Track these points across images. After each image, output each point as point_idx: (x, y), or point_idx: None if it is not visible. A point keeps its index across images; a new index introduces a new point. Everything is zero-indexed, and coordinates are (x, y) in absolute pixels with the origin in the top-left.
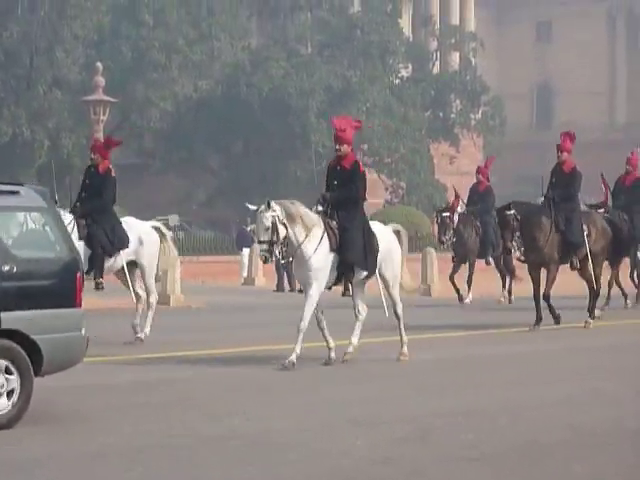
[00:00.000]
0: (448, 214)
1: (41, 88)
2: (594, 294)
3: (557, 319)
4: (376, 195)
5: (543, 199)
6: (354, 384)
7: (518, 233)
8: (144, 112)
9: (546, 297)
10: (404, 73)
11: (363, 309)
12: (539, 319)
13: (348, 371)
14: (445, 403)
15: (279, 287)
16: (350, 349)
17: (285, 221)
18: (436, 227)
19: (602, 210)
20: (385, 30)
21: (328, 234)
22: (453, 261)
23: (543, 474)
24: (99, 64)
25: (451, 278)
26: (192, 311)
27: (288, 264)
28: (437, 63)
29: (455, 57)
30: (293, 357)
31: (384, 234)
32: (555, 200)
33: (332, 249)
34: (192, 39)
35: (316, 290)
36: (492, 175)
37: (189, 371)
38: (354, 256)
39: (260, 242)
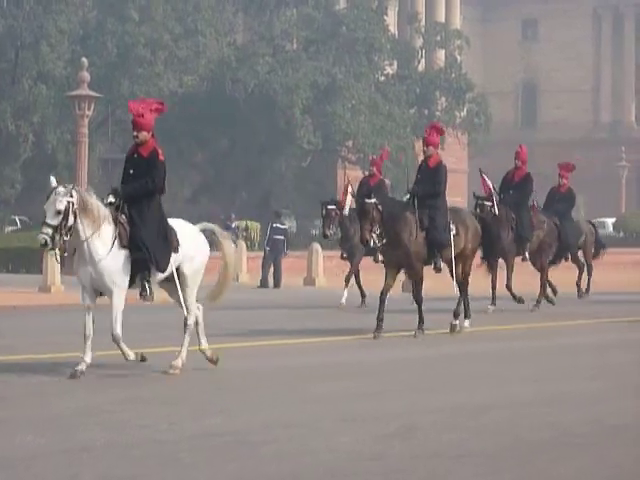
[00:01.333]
0: (334, 207)
1: (26, 83)
2: (464, 297)
3: (419, 325)
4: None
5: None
6: (339, 381)
7: (378, 226)
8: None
9: (418, 301)
10: (389, 70)
11: (192, 312)
12: (379, 322)
13: (334, 368)
14: (431, 400)
15: (263, 283)
16: (177, 362)
17: (77, 211)
18: (321, 220)
19: (489, 203)
20: (371, 27)
21: (119, 231)
22: (341, 258)
23: (528, 473)
24: (84, 59)
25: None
26: (174, 307)
27: (63, 258)
28: (422, 60)
29: (440, 54)
30: (82, 366)
31: (187, 232)
32: (419, 196)
33: (122, 246)
34: (178, 35)
35: (118, 296)
36: (476, 173)
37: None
38: (145, 254)
39: (46, 224)
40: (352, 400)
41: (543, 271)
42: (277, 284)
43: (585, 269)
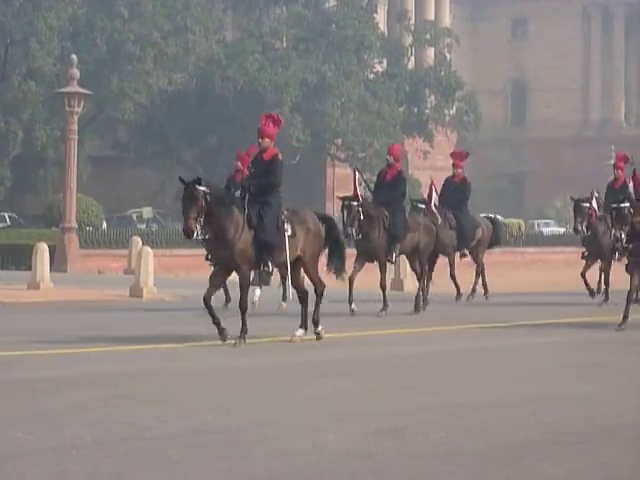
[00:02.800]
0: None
1: (15, 79)
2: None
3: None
4: (350, 189)
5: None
6: (328, 379)
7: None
8: (119, 105)
9: (242, 308)
10: (379, 68)
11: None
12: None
13: (323, 367)
14: (420, 399)
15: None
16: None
17: None
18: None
19: (355, 203)
20: (360, 25)
21: None
22: None
23: (518, 473)
24: (74, 56)
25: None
26: (165, 304)
27: None
28: (412, 58)
29: (430, 53)
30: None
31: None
32: (252, 191)
33: None
34: (167, 32)
35: None
36: (466, 170)
37: (162, 364)
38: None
39: None
40: (340, 399)
41: (423, 274)
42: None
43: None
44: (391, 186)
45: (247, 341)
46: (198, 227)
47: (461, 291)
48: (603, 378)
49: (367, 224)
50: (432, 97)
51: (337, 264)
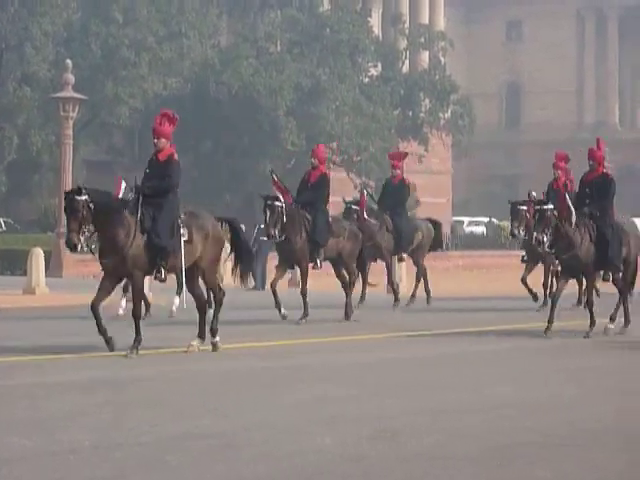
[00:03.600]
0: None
1: (10, 85)
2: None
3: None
4: (345, 193)
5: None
6: (323, 382)
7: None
8: (113, 109)
9: (135, 316)
10: (373, 72)
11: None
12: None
13: (317, 369)
14: (414, 402)
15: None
16: None
17: None
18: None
19: (279, 203)
20: (354, 29)
21: None
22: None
23: (507, 476)
24: (69, 61)
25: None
26: (160, 309)
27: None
28: (406, 62)
29: (424, 56)
30: None
31: None
32: (145, 193)
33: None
34: (162, 37)
35: None
36: (460, 174)
37: (156, 369)
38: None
39: None
40: (332, 402)
41: (350, 281)
42: (262, 286)
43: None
44: (314, 188)
45: (143, 351)
46: (82, 238)
47: (399, 297)
48: (573, 383)
49: (289, 227)
50: (427, 100)
51: (243, 269)
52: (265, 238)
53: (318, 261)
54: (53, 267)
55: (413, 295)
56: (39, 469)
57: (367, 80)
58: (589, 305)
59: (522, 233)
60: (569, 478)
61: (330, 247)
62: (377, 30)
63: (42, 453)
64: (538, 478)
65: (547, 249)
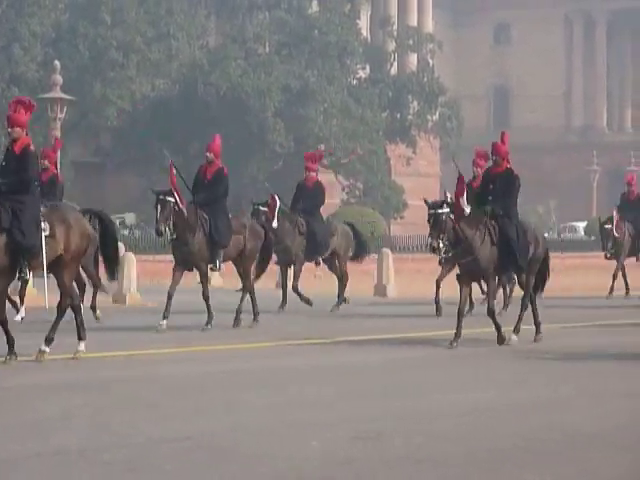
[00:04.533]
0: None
1: None
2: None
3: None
4: (333, 195)
5: None
6: (310, 385)
7: None
8: (101, 111)
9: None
10: (362, 74)
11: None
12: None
13: (304, 372)
14: (400, 405)
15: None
16: None
17: None
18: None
19: (172, 199)
20: (343, 31)
21: None
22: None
23: (494, 479)
24: (57, 62)
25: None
26: (149, 310)
27: None
28: (395, 64)
29: (413, 58)
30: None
31: None
32: (2, 190)
33: None
34: (150, 38)
35: None
36: (448, 176)
37: (142, 371)
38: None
39: None
40: (317, 405)
41: (247, 278)
42: None
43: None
44: (211, 185)
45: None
46: None
47: (311, 301)
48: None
49: (183, 228)
50: (415, 103)
51: (110, 267)
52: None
53: (218, 262)
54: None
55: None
56: (25, 472)
57: (355, 82)
58: (489, 313)
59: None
60: None
61: (231, 247)
62: (365, 32)
63: (29, 456)
64: None
65: (443, 255)
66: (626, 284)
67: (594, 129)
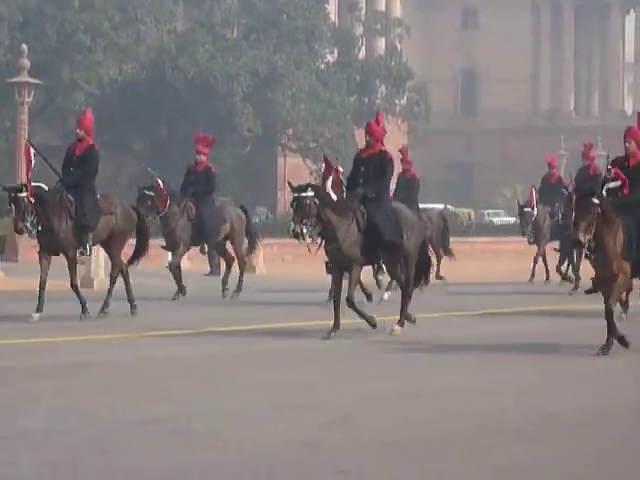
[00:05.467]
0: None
1: None
2: None
3: None
4: (301, 180)
5: None
6: (279, 368)
7: None
8: (69, 95)
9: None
10: (330, 58)
11: None
12: None
13: (273, 356)
14: (370, 388)
15: (213, 272)
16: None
17: None
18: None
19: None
20: (311, 15)
21: None
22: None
23: (463, 460)
24: (24, 46)
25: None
26: (117, 294)
27: None
28: (363, 48)
29: (381, 43)
30: None
31: None
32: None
33: None
34: (118, 22)
35: None
36: (416, 161)
37: (110, 354)
38: None
39: None
40: (287, 388)
41: (117, 265)
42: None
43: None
44: (79, 164)
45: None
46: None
47: (186, 291)
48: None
49: (45, 215)
50: (383, 87)
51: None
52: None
53: (87, 247)
54: (9, 252)
55: (239, 286)
56: None
57: (323, 66)
58: (349, 303)
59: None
60: (527, 463)
61: (100, 228)
62: (334, 17)
63: None
64: (494, 464)
65: (309, 240)
66: (546, 269)
67: (561, 113)
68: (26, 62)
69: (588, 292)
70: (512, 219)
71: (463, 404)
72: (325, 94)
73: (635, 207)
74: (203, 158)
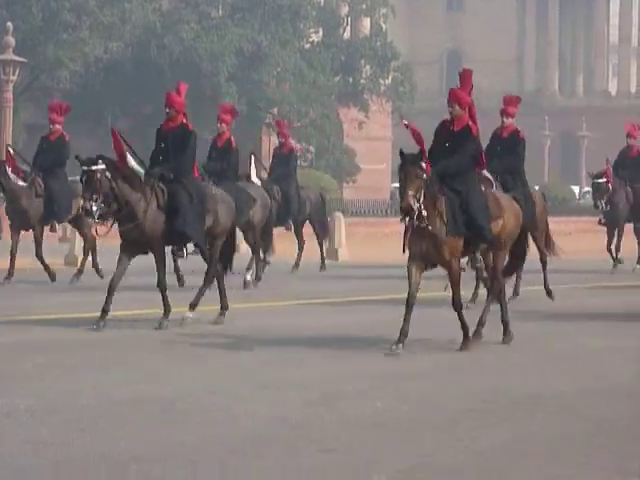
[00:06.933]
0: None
1: None
2: None
3: None
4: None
5: None
6: (262, 348)
7: None
8: (54, 73)
9: None
10: (315, 38)
11: None
12: None
13: (258, 335)
14: (354, 368)
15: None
16: None
17: None
18: None
19: None
20: None
21: None
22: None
23: (448, 441)
24: (9, 24)
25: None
26: (102, 273)
27: None
28: (348, 28)
29: (366, 23)
30: None
31: None
32: None
33: None
34: (103, 1)
35: None
36: (401, 141)
37: (96, 333)
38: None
39: None
40: (273, 367)
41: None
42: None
43: None
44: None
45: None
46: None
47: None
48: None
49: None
50: (367, 67)
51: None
52: None
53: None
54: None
55: (81, 271)
56: None
57: (308, 46)
58: (161, 288)
59: None
60: (511, 444)
61: None
62: None
63: None
64: (479, 443)
65: (98, 220)
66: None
67: (546, 94)
68: (11, 40)
69: None
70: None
71: (450, 382)
72: (310, 74)
73: (456, 175)
74: (58, 127)
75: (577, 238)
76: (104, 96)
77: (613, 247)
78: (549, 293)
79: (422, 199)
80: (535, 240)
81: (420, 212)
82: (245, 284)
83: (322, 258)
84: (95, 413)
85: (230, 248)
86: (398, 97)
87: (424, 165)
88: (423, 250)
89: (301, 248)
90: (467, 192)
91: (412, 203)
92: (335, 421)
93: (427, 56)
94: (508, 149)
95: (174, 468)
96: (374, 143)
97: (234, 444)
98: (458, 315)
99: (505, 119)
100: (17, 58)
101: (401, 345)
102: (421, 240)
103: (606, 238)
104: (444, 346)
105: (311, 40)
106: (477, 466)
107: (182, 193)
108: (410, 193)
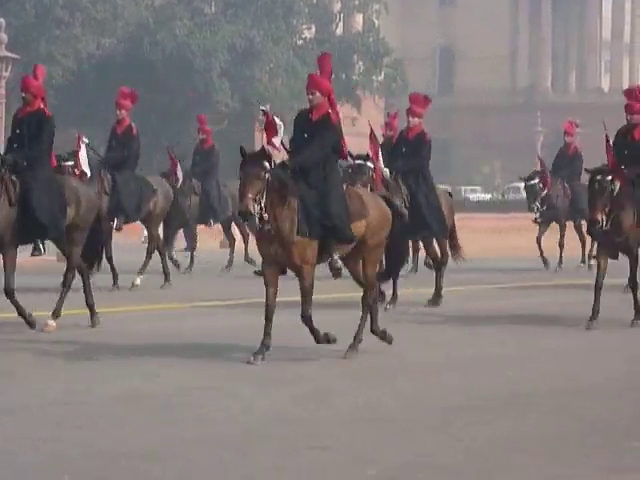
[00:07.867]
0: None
1: None
2: None
3: None
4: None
5: None
6: (256, 344)
7: None
8: (47, 69)
9: None
10: (307, 34)
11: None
12: None
13: (250, 331)
14: (345, 364)
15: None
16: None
17: None
18: None
19: None
20: None
21: None
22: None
23: (442, 438)
24: (2, 20)
25: None
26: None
27: None
28: (340, 24)
29: (359, 19)
30: None
31: None
32: None
33: None
34: None
35: None
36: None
37: (88, 329)
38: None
39: None
40: (266, 363)
41: None
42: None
43: None
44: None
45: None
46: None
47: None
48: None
49: None
50: (360, 63)
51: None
52: None
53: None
54: None
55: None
56: None
57: (301, 42)
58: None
59: None
60: (504, 440)
61: None
62: None
63: None
64: (473, 440)
65: None
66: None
67: (539, 90)
68: (3, 36)
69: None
70: (488, 196)
71: (444, 379)
72: (303, 70)
73: (313, 168)
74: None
75: (568, 232)
76: (96, 92)
77: (556, 244)
78: (436, 298)
79: (264, 201)
80: (438, 240)
81: (262, 215)
82: (133, 286)
83: (231, 259)
84: (90, 409)
85: (97, 245)
86: (391, 93)
87: (266, 164)
88: (272, 254)
89: (232, 246)
90: (324, 188)
91: (250, 206)
92: (329, 417)
93: (420, 52)
94: (413, 151)
95: (171, 465)
96: (366, 139)
97: (225, 441)
98: (308, 328)
99: (411, 119)
100: (10, 54)
101: (260, 357)
102: (270, 244)
103: (537, 234)
104: (432, 342)
105: (304, 36)
106: (470, 463)
107: (37, 184)
108: (249, 196)
